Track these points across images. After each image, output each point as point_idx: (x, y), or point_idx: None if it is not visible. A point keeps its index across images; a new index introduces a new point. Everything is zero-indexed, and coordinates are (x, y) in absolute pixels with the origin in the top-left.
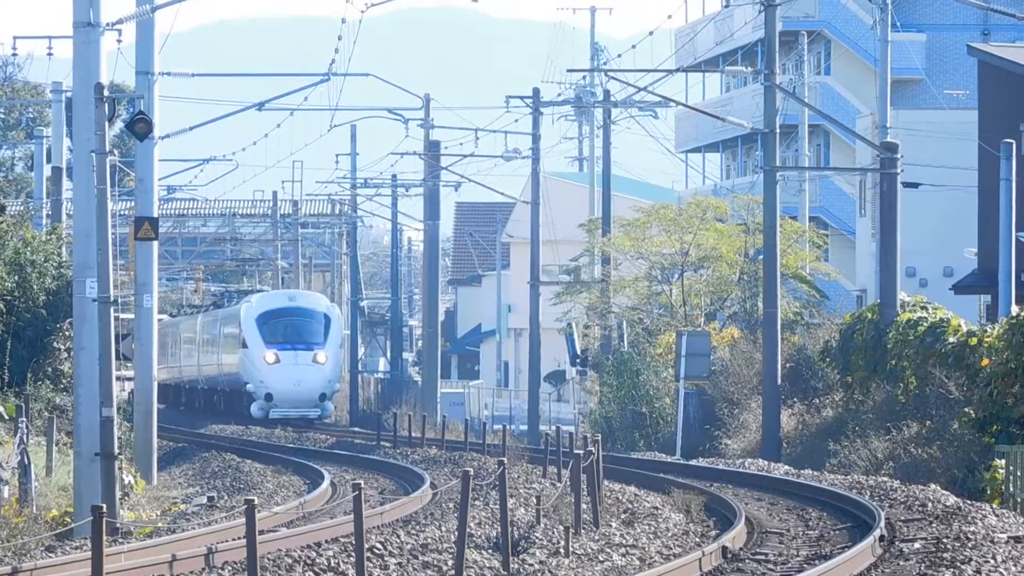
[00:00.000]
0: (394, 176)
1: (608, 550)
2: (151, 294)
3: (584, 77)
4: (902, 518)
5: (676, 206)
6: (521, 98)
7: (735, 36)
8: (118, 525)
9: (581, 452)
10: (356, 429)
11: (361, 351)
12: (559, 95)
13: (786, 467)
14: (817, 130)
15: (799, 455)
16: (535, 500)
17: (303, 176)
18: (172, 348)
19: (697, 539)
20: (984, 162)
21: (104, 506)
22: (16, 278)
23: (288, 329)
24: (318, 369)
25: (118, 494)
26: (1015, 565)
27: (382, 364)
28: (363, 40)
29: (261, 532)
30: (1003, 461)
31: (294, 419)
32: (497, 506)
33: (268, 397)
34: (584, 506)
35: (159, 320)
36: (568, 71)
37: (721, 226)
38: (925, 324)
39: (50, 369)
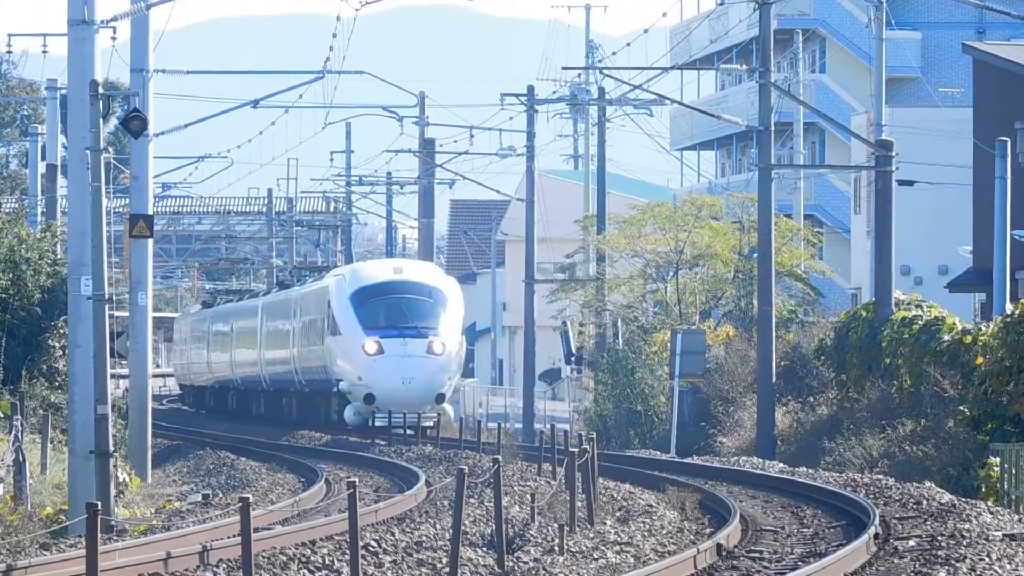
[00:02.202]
0: (389, 174)
1: (603, 548)
2: (146, 292)
3: (579, 75)
4: (897, 516)
5: (671, 204)
6: (516, 96)
7: (730, 34)
8: (113, 523)
9: (576, 450)
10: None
11: None
12: (554, 93)
13: (781, 465)
14: (812, 128)
15: (794, 453)
16: (530, 498)
17: (298, 173)
18: (215, 342)
19: (692, 537)
20: (979, 160)
21: (99, 504)
22: (11, 276)
23: (394, 310)
24: (433, 361)
25: (113, 492)
26: (1010, 563)
27: None
28: (358, 38)
29: (256, 530)
30: (998, 459)
31: (402, 426)
32: (492, 504)
33: (368, 398)
34: (579, 504)
35: (190, 312)
36: (563, 69)
37: (716, 224)
38: (920, 322)
39: (45, 367)
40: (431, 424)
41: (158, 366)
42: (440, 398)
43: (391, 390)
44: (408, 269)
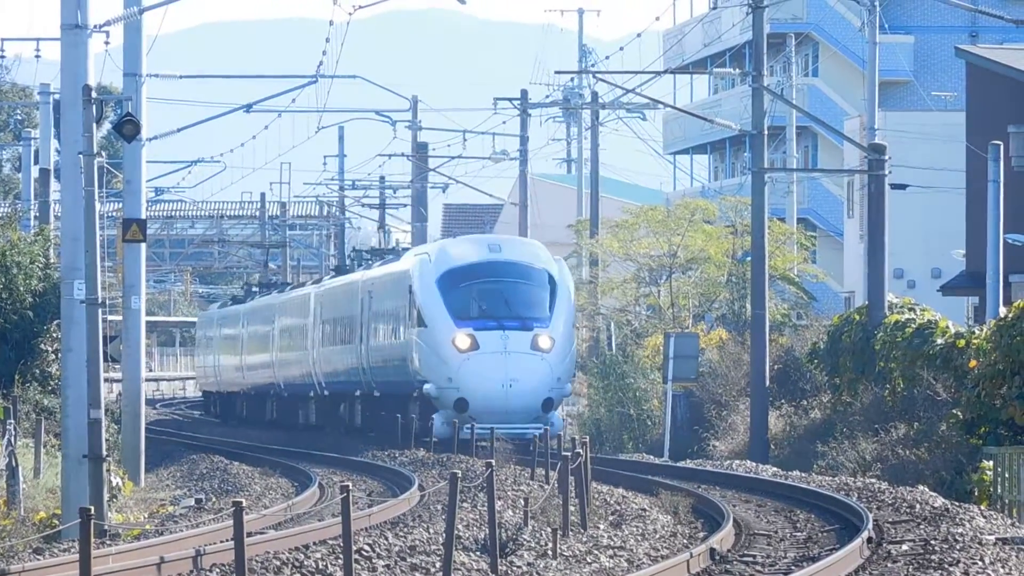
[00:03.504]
0: (382, 178)
1: (596, 552)
2: (139, 296)
3: (572, 79)
4: (890, 520)
5: (664, 208)
6: (509, 100)
7: (723, 38)
8: (106, 527)
9: (569, 454)
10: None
11: None
12: (547, 97)
13: (774, 469)
14: (805, 132)
15: (787, 457)
16: (523, 502)
17: (291, 178)
18: (251, 342)
19: (685, 541)
20: (972, 164)
21: (92, 508)
22: (3, 280)
23: (491, 297)
24: (540, 361)
25: (106, 496)
26: (1003, 567)
27: None
28: (351, 42)
29: (249, 534)
30: (991, 463)
31: (501, 437)
32: (485, 508)
33: (460, 404)
34: (572, 508)
35: (217, 309)
36: (556, 73)
37: (709, 228)
38: (913, 326)
39: (38, 371)
40: (538, 436)
41: (151, 370)
42: (547, 405)
43: (488, 395)
44: (508, 247)
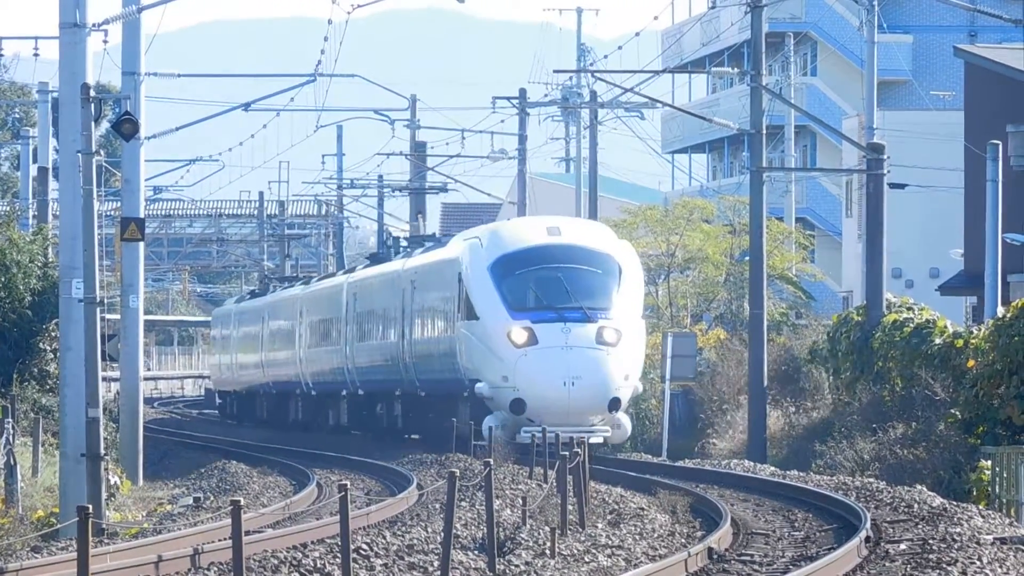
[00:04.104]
0: (380, 177)
1: (594, 551)
2: (137, 295)
3: (571, 78)
4: (888, 519)
5: (662, 207)
6: (508, 99)
7: (721, 37)
8: (104, 526)
9: (567, 453)
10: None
11: None
12: (545, 96)
13: (772, 468)
14: (803, 131)
15: (785, 456)
16: (521, 501)
17: (289, 177)
18: (273, 338)
19: (683, 540)
20: (970, 163)
21: (90, 507)
22: (1, 278)
23: (550, 285)
24: (606, 355)
25: (104, 495)
26: (1000, 566)
27: None
28: (349, 41)
29: (247, 533)
30: (989, 462)
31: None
32: (483, 507)
33: (517, 406)
34: (570, 507)
35: (233, 304)
36: (555, 72)
37: (707, 227)
38: (911, 325)
39: (36, 370)
40: (605, 441)
41: (149, 369)
42: (614, 404)
43: (548, 394)
44: (568, 229)
